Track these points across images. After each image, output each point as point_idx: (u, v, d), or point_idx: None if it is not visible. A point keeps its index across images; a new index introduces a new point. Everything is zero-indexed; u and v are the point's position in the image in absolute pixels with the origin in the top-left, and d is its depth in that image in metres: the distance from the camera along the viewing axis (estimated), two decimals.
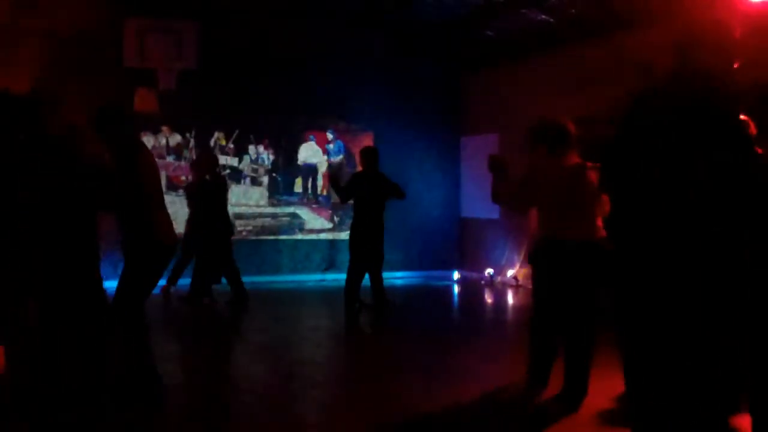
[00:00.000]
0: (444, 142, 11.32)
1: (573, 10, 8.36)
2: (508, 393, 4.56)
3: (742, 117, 2.47)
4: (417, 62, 10.83)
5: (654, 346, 2.49)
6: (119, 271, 4.06)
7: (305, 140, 10.51)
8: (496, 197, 4.40)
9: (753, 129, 2.87)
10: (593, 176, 4.04)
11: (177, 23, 8.76)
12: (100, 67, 8.54)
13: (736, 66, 2.47)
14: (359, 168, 8.08)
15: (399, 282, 10.21)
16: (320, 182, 10.63)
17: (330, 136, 10.64)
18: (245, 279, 8.04)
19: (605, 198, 3.86)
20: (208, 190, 7.90)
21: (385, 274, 8.59)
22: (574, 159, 4.21)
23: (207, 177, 7.95)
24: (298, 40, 9.77)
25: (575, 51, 8.84)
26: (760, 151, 2.48)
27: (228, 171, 9.97)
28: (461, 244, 11.38)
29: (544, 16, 8.74)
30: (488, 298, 9.32)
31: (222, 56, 9.41)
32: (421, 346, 6.14)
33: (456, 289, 10.21)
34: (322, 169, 10.64)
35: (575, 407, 4.16)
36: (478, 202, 10.51)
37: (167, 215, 4.27)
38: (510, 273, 9.95)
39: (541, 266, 4.30)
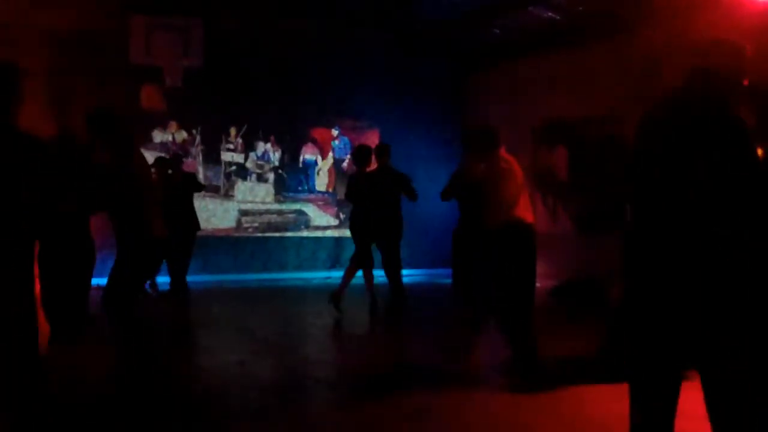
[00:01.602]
0: (449, 139, 11.29)
1: (580, 8, 8.34)
2: (514, 387, 4.56)
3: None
4: (423, 60, 10.81)
5: (657, 345, 2.54)
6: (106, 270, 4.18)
7: (310, 138, 10.53)
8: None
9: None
10: (517, 172, 4.60)
11: (183, 20, 8.78)
12: (107, 64, 8.57)
13: (745, 83, 2.58)
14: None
15: (404, 279, 10.17)
16: (321, 179, 10.67)
17: (335, 132, 10.65)
18: (251, 276, 8.04)
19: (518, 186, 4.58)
20: (174, 186, 7.86)
21: None
22: (499, 157, 4.70)
23: (169, 171, 7.94)
24: (303, 38, 9.78)
25: (581, 50, 8.81)
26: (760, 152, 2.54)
27: (234, 168, 10.00)
28: None
29: (550, 14, 8.72)
30: None
31: (227, 54, 9.44)
32: (428, 343, 6.15)
33: None
34: (326, 167, 10.66)
35: (525, 374, 4.51)
36: None
37: (159, 210, 4.34)
38: None
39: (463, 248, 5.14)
